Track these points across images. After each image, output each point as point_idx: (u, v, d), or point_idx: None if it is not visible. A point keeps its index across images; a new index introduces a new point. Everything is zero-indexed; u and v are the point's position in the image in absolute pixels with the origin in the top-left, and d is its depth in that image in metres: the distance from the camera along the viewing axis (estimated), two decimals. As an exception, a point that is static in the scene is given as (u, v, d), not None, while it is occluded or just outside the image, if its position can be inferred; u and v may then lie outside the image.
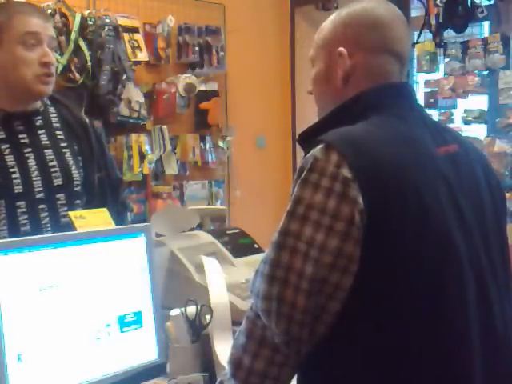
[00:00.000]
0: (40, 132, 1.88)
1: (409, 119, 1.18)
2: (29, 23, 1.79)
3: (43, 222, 1.82)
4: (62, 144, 1.91)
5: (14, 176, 1.79)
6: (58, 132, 1.91)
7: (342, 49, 1.20)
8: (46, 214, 1.82)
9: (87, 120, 2.01)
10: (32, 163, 1.83)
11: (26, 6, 1.92)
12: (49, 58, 1.81)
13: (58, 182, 1.86)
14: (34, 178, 1.82)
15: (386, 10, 1.22)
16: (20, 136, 1.84)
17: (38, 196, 1.82)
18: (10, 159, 1.80)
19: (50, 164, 1.86)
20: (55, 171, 1.86)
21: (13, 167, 1.80)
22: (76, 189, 1.90)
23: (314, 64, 1.27)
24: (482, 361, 1.11)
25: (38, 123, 1.88)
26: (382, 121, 1.14)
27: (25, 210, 1.79)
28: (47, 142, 1.88)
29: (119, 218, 1.94)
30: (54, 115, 1.94)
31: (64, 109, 1.97)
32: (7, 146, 1.80)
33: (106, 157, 2.07)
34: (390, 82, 1.21)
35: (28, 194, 1.80)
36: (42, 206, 1.82)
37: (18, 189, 1.79)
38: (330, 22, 1.25)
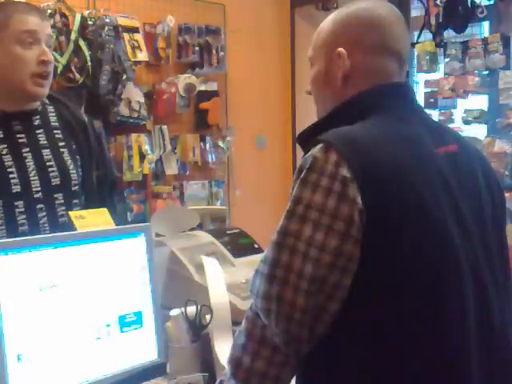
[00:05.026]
0: (38, 131, 1.88)
1: (408, 119, 1.18)
2: (26, 22, 1.78)
3: (41, 222, 1.82)
4: (60, 143, 1.91)
5: (11, 176, 1.79)
6: (56, 131, 1.91)
7: (341, 49, 1.20)
8: (44, 213, 1.82)
9: (86, 119, 2.01)
10: (30, 163, 1.83)
11: (23, 4, 1.91)
12: (47, 57, 1.81)
13: (55, 181, 1.86)
14: (31, 178, 1.82)
15: (385, 9, 1.22)
16: (18, 136, 1.84)
17: (35, 196, 1.82)
18: (7, 159, 1.80)
19: (48, 164, 1.86)
20: (53, 171, 1.86)
21: (10, 167, 1.80)
22: (74, 188, 1.90)
23: (312, 64, 1.27)
24: (480, 359, 1.11)
25: (36, 123, 1.88)
26: (381, 121, 1.14)
27: (23, 209, 1.79)
28: (45, 142, 1.87)
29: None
30: (53, 114, 1.93)
31: (63, 108, 1.97)
32: (5, 145, 1.80)
33: (105, 156, 2.07)
34: (389, 82, 1.21)
35: (26, 194, 1.80)
36: (39, 206, 1.82)
37: (16, 188, 1.79)
38: (328, 22, 1.25)
